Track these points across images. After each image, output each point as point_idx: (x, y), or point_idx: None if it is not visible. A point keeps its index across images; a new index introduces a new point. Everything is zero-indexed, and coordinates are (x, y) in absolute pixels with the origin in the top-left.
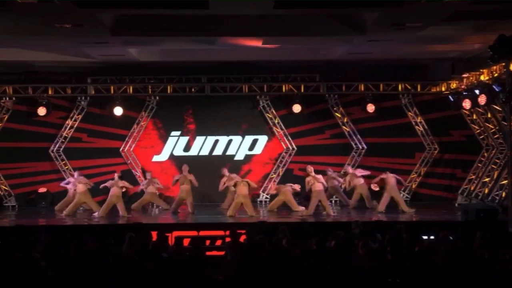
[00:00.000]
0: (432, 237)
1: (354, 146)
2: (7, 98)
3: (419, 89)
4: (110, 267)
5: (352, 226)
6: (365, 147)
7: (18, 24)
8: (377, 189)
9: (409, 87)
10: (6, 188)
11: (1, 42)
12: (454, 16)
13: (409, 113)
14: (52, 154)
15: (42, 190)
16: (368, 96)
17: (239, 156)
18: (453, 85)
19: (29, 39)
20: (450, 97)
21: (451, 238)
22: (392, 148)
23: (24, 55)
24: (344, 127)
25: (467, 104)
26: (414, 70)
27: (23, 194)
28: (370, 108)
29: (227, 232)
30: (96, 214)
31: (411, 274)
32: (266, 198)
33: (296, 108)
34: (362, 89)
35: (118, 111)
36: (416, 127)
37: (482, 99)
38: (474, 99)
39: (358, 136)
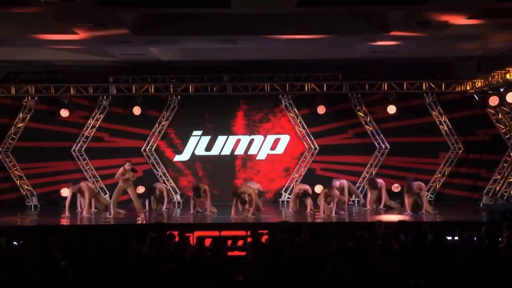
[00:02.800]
0: (456, 238)
1: (377, 145)
2: (30, 98)
3: (443, 88)
4: (132, 267)
5: (375, 227)
6: (388, 146)
7: (40, 23)
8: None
9: (433, 86)
10: (29, 188)
11: (23, 41)
12: (480, 14)
13: (433, 112)
14: (74, 153)
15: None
16: (392, 95)
17: (261, 156)
18: (479, 83)
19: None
20: (475, 95)
21: (475, 238)
22: (415, 147)
23: (46, 54)
24: (367, 126)
25: (494, 101)
26: (438, 68)
27: (45, 194)
28: (393, 107)
29: (249, 232)
30: (107, 213)
31: (435, 275)
32: (288, 198)
33: (321, 110)
34: (386, 88)
35: (136, 110)
36: (440, 126)
37: (509, 98)
38: (500, 98)
39: (381, 136)
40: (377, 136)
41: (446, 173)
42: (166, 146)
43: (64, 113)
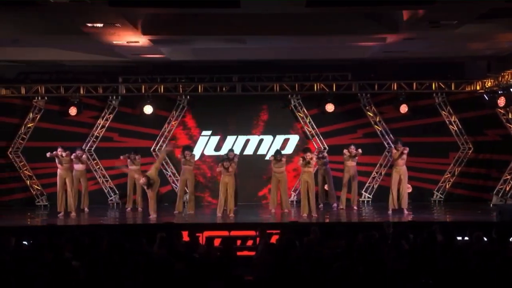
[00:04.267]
0: (466, 238)
1: (386, 145)
2: (39, 98)
3: (453, 88)
4: (141, 266)
5: (384, 226)
6: None
7: (50, 24)
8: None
9: (443, 86)
10: (38, 188)
11: (33, 41)
12: (490, 14)
13: (443, 112)
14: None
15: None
16: (401, 95)
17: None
18: (489, 83)
19: (61, 39)
20: (485, 95)
21: (485, 239)
22: (425, 147)
23: (56, 54)
24: (376, 126)
25: (502, 101)
26: (448, 68)
27: (54, 194)
28: (403, 107)
29: (258, 232)
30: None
31: (444, 275)
32: (298, 198)
33: (329, 108)
34: (395, 88)
35: (148, 109)
36: (450, 126)
37: None
38: (509, 98)
39: (391, 136)
40: (386, 136)
41: (456, 173)
42: (175, 146)
43: (73, 111)
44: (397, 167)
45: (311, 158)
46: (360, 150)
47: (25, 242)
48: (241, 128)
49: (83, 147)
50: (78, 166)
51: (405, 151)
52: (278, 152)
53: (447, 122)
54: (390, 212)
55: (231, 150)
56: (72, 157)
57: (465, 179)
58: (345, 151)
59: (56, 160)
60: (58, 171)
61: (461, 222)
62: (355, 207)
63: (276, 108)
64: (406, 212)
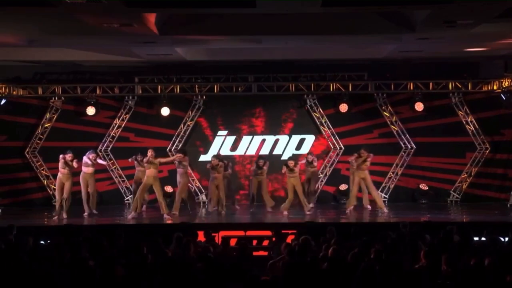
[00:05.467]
0: (483, 239)
1: (402, 145)
2: (56, 98)
3: (470, 88)
4: (158, 267)
5: (400, 227)
6: (414, 146)
7: (67, 24)
8: None
9: (459, 86)
10: (55, 187)
11: (50, 42)
12: (507, 13)
13: (460, 112)
14: (100, 153)
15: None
16: (417, 95)
17: (286, 156)
18: (506, 83)
19: (77, 39)
20: (502, 95)
21: (503, 239)
22: (442, 147)
23: (73, 55)
24: (392, 126)
25: None
26: (465, 68)
27: (72, 193)
28: (419, 107)
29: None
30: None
31: (462, 276)
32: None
33: (343, 108)
34: (411, 87)
35: (165, 111)
36: (467, 126)
37: None
38: None
39: (407, 136)
40: (402, 136)
41: (472, 174)
42: (191, 146)
43: (91, 110)
44: (359, 171)
45: (295, 166)
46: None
47: (42, 242)
48: (257, 128)
49: (100, 147)
50: (88, 169)
51: (369, 158)
52: (310, 153)
53: (464, 122)
54: (348, 211)
55: (260, 158)
56: (87, 160)
57: (482, 179)
58: (352, 160)
59: (65, 164)
60: (61, 175)
61: (478, 222)
62: (369, 206)
63: (291, 108)
64: (369, 207)
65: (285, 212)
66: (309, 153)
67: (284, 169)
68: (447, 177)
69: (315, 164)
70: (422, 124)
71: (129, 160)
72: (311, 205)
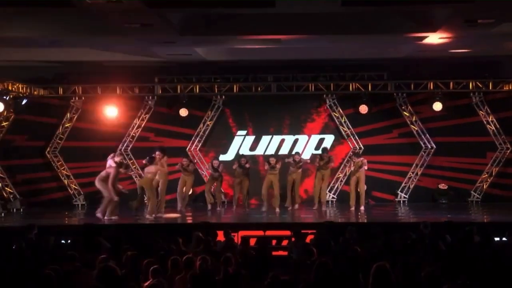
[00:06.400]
0: (504, 239)
1: (422, 145)
2: (77, 98)
3: (491, 87)
4: (178, 266)
5: (421, 227)
6: (434, 146)
7: (87, 24)
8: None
9: (480, 85)
10: (76, 187)
11: (70, 42)
12: None
13: (480, 111)
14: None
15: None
16: (438, 95)
17: (305, 156)
18: None
19: (98, 39)
20: None
21: None
22: (462, 147)
23: (93, 55)
24: (412, 126)
25: None
26: (486, 67)
27: (92, 193)
28: (438, 107)
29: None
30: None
31: (482, 276)
32: (333, 198)
33: (363, 109)
34: (431, 87)
35: (183, 111)
36: (488, 126)
37: None
38: None
39: (427, 135)
40: (422, 136)
41: (493, 173)
42: (211, 145)
43: (112, 113)
44: (321, 171)
45: (276, 163)
46: (365, 160)
47: (63, 241)
48: (276, 128)
49: (120, 147)
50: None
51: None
52: (325, 149)
53: (485, 122)
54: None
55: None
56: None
57: (503, 179)
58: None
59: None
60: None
61: (499, 222)
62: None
63: (311, 108)
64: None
65: (277, 210)
66: (296, 153)
67: (266, 166)
68: (468, 177)
69: (302, 164)
70: (442, 123)
71: (144, 161)
72: (290, 207)
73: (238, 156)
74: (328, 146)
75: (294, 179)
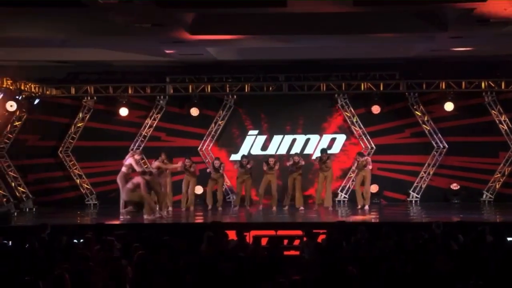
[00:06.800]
0: None
1: (435, 145)
2: (89, 98)
3: (503, 87)
4: (190, 266)
5: (433, 227)
6: (446, 146)
7: (99, 24)
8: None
9: (492, 85)
10: (88, 187)
11: (82, 42)
12: None
13: (493, 111)
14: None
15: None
16: (450, 94)
17: (317, 155)
18: None
19: (109, 39)
20: None
21: None
22: (474, 147)
23: (105, 55)
24: (424, 125)
25: None
26: (498, 66)
27: (104, 193)
28: (451, 107)
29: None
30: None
31: (495, 277)
32: (345, 198)
33: (375, 109)
34: (443, 86)
35: (194, 111)
36: (500, 125)
37: None
38: None
39: (439, 135)
40: (434, 136)
41: (506, 173)
42: (222, 145)
43: (124, 111)
44: (323, 172)
45: (274, 164)
46: (369, 159)
47: (75, 241)
48: (288, 127)
49: (131, 146)
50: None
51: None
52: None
53: (497, 122)
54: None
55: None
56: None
57: None
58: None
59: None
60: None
61: None
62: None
63: (322, 107)
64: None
65: (274, 208)
66: (296, 154)
67: (265, 166)
68: (480, 176)
69: (302, 163)
70: (455, 123)
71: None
72: (302, 208)
73: (241, 156)
74: (340, 146)
75: (294, 179)
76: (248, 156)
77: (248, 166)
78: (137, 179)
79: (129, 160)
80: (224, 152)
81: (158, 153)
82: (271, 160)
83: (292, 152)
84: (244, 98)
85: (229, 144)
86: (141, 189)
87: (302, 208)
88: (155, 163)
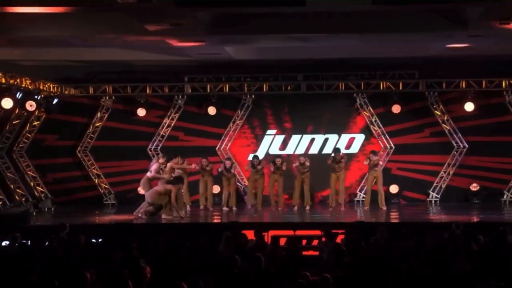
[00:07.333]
0: None
1: (454, 145)
2: (107, 97)
3: None
4: (208, 266)
5: (453, 227)
6: (467, 146)
7: (117, 24)
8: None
9: None
10: (106, 186)
11: (100, 41)
12: None
13: None
14: (150, 152)
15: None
16: (470, 93)
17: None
18: None
19: (127, 39)
20: None
21: None
22: (495, 147)
23: (123, 54)
24: (444, 125)
25: None
26: None
27: (122, 192)
28: (471, 107)
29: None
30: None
31: None
32: (363, 198)
33: (396, 109)
34: (463, 86)
35: (211, 110)
36: None
37: None
38: None
39: (459, 135)
40: (454, 135)
41: None
42: (240, 145)
43: (142, 112)
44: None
45: (282, 163)
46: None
47: (93, 240)
48: (306, 127)
49: (149, 146)
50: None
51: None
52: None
53: None
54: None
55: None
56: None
57: None
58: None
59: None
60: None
61: None
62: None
63: (341, 107)
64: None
65: (280, 208)
66: (302, 154)
67: (272, 167)
68: (501, 176)
69: (308, 164)
70: (475, 123)
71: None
72: (307, 207)
73: (253, 157)
74: (358, 146)
75: (303, 178)
76: (259, 157)
77: (259, 167)
78: (170, 187)
79: (154, 166)
80: (242, 151)
81: (177, 152)
82: (278, 161)
83: (311, 152)
84: (263, 98)
85: (247, 144)
86: (171, 197)
87: (308, 207)
88: (168, 164)
